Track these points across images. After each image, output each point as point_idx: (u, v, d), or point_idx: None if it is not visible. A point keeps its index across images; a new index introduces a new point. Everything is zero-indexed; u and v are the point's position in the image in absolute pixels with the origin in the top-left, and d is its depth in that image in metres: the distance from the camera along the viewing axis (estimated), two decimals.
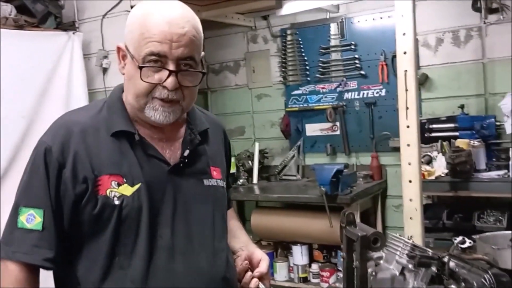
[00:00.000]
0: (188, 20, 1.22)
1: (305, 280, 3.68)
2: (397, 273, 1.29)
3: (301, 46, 4.08)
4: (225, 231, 1.42)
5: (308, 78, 4.09)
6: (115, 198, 1.21)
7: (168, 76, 1.20)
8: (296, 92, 4.15)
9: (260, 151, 4.17)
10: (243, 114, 4.42)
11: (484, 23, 3.43)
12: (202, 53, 1.28)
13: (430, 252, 1.31)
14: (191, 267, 1.27)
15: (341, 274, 3.42)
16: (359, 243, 1.26)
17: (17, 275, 1.19)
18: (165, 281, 1.24)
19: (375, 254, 1.33)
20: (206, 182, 1.35)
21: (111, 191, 1.21)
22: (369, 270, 1.28)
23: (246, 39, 4.36)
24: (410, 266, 1.27)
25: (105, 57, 3.27)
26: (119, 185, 1.22)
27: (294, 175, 4.07)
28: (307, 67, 4.08)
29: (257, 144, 4.20)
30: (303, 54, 4.08)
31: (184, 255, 1.27)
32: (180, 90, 1.23)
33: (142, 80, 1.19)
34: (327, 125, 3.99)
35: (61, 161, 1.21)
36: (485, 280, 1.24)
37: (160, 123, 1.26)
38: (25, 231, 1.19)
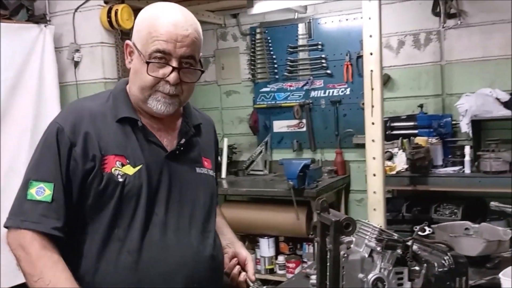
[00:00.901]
0: (191, 24, 1.35)
1: (271, 271, 3.80)
2: (366, 255, 1.39)
3: (270, 44, 4.20)
4: (213, 214, 1.53)
5: (276, 76, 4.21)
6: (119, 176, 1.33)
7: (171, 72, 1.33)
8: (264, 89, 4.26)
9: (229, 147, 4.27)
10: (212, 110, 4.50)
11: (443, 27, 3.63)
12: (201, 53, 1.42)
13: (396, 236, 1.43)
14: (181, 242, 1.39)
15: (305, 265, 3.56)
16: (333, 228, 1.37)
17: (31, 236, 1.26)
18: (158, 253, 1.35)
19: (346, 239, 1.44)
20: (198, 169, 1.48)
21: (116, 169, 1.33)
22: (341, 252, 1.38)
23: (216, 37, 4.44)
24: (378, 248, 1.38)
25: (77, 50, 3.28)
26: (122, 165, 1.34)
27: (262, 170, 4.18)
28: (275, 65, 4.20)
29: (225, 139, 4.29)
30: (272, 53, 4.20)
31: (176, 231, 1.38)
32: (180, 85, 1.36)
33: (148, 74, 1.32)
34: (294, 122, 4.12)
35: (73, 140, 1.32)
36: (445, 261, 1.37)
37: (160, 113, 1.38)
38: (34, 202, 1.28)
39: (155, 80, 1.34)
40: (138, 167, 1.35)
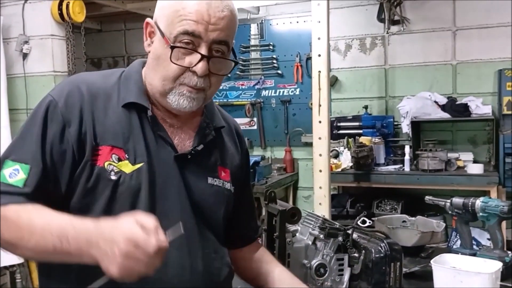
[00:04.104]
0: (227, 5, 1.13)
1: None
2: (310, 243, 1.49)
3: None
4: (222, 237, 1.27)
5: (229, 75, 4.23)
6: (112, 173, 1.08)
7: (200, 60, 1.09)
8: None
9: None
10: None
11: (387, 33, 3.82)
12: (233, 41, 1.18)
13: (337, 224, 1.53)
14: (185, 263, 1.12)
15: None
16: (279, 217, 1.46)
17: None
18: (157, 273, 1.00)
19: (292, 227, 1.53)
20: (210, 180, 1.21)
21: (110, 164, 1.09)
22: (287, 240, 1.47)
23: None
24: (321, 236, 1.48)
25: (26, 42, 3.22)
26: (119, 160, 1.10)
27: None
28: None
29: None
30: None
31: (180, 249, 1.12)
32: (207, 77, 1.12)
33: (171, 61, 1.09)
34: (245, 120, 4.22)
35: (67, 118, 1.08)
36: (381, 248, 1.49)
37: (182, 109, 1.14)
38: (5, 185, 1.05)
39: (179, 69, 1.10)
40: (138, 165, 1.10)
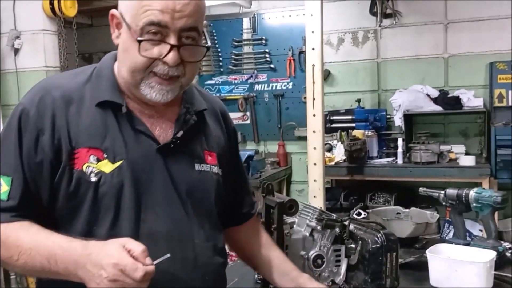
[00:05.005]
0: None
1: None
2: (308, 234, 1.50)
3: (215, 38, 4.26)
4: (215, 221, 1.26)
5: (221, 69, 4.28)
6: (92, 175, 1.07)
7: (170, 51, 1.06)
8: (209, 82, 4.32)
9: None
10: None
11: (379, 26, 3.84)
12: (205, 22, 1.14)
13: (334, 216, 1.55)
14: (176, 256, 1.09)
15: None
16: (277, 209, 1.47)
17: None
18: None
19: (289, 219, 1.54)
20: (197, 166, 1.19)
21: (88, 166, 1.07)
22: (285, 232, 1.48)
23: None
24: (319, 227, 1.49)
25: (17, 37, 3.19)
26: (98, 160, 1.08)
27: None
28: (220, 59, 4.27)
29: None
30: (217, 46, 4.27)
31: (169, 242, 1.11)
32: (181, 65, 1.09)
33: (140, 54, 1.06)
34: (238, 114, 4.22)
35: (39, 126, 1.08)
36: (377, 238, 1.50)
37: (156, 101, 1.11)
38: None
39: (148, 60, 1.07)
40: (118, 163, 1.08)
